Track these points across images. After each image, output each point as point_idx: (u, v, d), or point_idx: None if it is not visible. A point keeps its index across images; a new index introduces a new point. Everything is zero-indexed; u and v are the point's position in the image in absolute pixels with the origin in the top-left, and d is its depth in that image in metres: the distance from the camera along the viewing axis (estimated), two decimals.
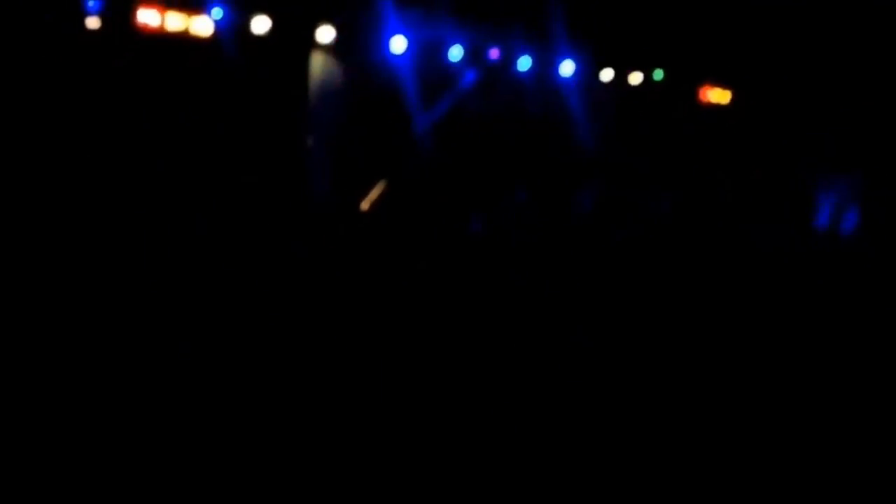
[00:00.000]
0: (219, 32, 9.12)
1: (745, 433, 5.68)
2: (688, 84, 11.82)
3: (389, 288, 7.65)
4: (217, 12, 9.00)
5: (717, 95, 12.04)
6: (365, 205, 9.75)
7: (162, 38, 8.94)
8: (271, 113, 9.64)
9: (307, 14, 9.49)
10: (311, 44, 9.65)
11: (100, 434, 5.01)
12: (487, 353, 6.63)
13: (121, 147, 8.74)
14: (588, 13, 10.60)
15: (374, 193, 9.91)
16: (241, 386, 5.76)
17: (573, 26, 10.55)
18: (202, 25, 9.05)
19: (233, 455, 4.98)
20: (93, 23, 8.62)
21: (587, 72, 10.98)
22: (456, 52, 10.16)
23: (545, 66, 10.71)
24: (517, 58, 10.54)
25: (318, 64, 9.88)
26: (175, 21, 8.98)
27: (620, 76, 11.25)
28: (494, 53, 10.44)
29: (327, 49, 9.76)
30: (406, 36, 9.67)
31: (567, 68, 10.76)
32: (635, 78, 11.35)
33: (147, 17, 8.87)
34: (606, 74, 11.16)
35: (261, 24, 9.20)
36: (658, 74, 11.46)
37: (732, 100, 12.10)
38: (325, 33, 9.51)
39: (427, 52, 10.02)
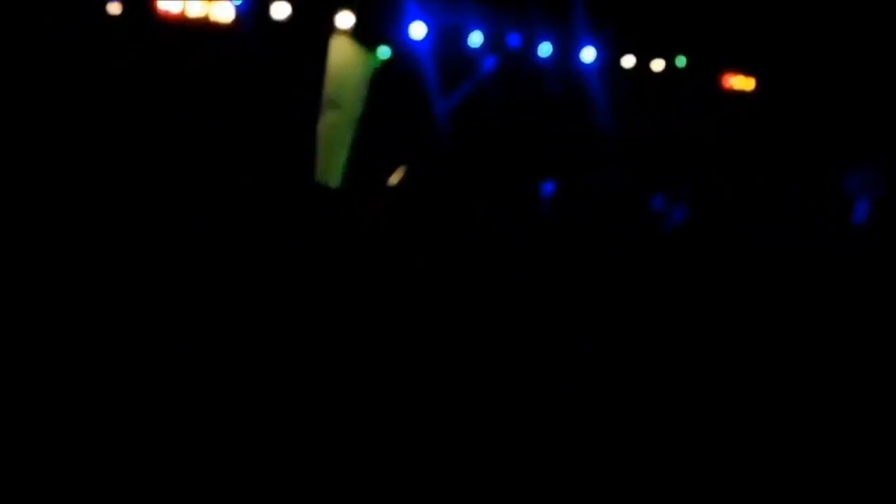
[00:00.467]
0: (239, 18, 9.16)
1: (750, 435, 5.64)
2: (711, 71, 11.72)
3: (399, 281, 7.63)
4: None
5: (741, 83, 11.93)
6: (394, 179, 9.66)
7: (182, 24, 8.99)
8: (290, 99, 9.66)
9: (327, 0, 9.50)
10: (331, 29, 9.65)
11: (100, 433, 5.03)
12: (488, 353, 6.61)
13: (140, 132, 8.79)
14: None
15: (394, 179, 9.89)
16: (242, 385, 5.77)
17: (594, 12, 10.49)
18: (223, 11, 9.09)
19: (233, 454, 5.00)
20: (114, 8, 8.69)
21: (609, 58, 10.91)
22: (476, 39, 10.13)
23: (566, 52, 10.66)
24: (538, 44, 10.49)
25: (337, 49, 9.88)
26: (196, 7, 9.03)
27: (642, 63, 11.17)
28: (514, 40, 10.40)
29: (347, 35, 9.74)
30: (426, 22, 9.66)
31: (588, 55, 10.71)
32: (657, 65, 11.27)
33: (168, 3, 8.93)
34: (628, 61, 11.09)
35: (281, 10, 9.23)
36: (681, 61, 11.37)
37: (756, 87, 11.98)
38: (345, 19, 9.52)
39: (447, 38, 10.00)
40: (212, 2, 9.08)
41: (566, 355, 6.64)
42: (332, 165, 9.73)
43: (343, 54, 9.76)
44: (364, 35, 9.71)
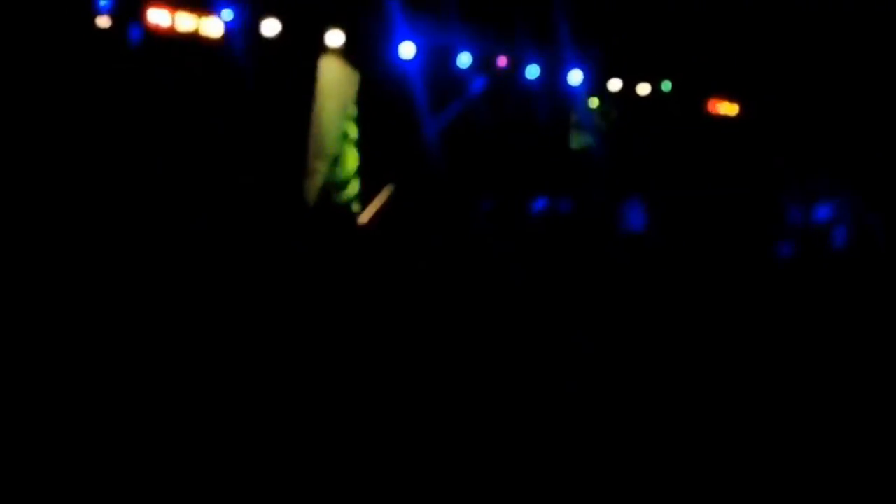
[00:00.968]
0: (229, 34, 9.14)
1: (749, 435, 5.70)
2: (696, 96, 11.84)
3: (391, 291, 7.67)
4: (227, 14, 9.02)
5: (725, 108, 12.06)
6: (364, 217, 9.76)
7: (172, 39, 8.97)
8: (278, 115, 9.65)
9: (317, 18, 9.50)
10: (321, 47, 9.66)
11: (99, 433, 5.02)
12: (487, 354, 6.64)
13: (129, 147, 8.76)
14: (597, 23, 10.63)
15: (377, 203, 9.92)
16: (243, 386, 5.78)
17: (582, 36, 10.57)
18: (212, 27, 9.07)
19: (233, 454, 5.00)
20: (103, 22, 8.65)
21: (595, 82, 10.99)
22: (465, 59, 10.17)
23: (553, 74, 10.72)
24: (525, 66, 10.55)
25: (326, 68, 9.89)
26: (185, 22, 9.00)
27: (629, 87, 11.26)
28: (503, 61, 10.45)
29: (336, 53, 9.76)
30: (415, 42, 9.69)
31: (575, 78, 10.78)
32: (643, 89, 11.37)
33: (157, 17, 8.89)
34: (615, 85, 11.17)
35: (270, 27, 9.22)
36: (666, 86, 11.47)
37: (740, 112, 12.12)
38: (335, 37, 9.52)
39: (436, 59, 10.04)
40: (202, 17, 9.05)
41: (566, 355, 6.69)
42: (316, 182, 9.74)
43: (332, 72, 9.78)
44: (354, 54, 9.72)
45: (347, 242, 9.07)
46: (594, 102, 11.17)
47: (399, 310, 7.25)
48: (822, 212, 11.50)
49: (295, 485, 4.82)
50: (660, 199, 11.19)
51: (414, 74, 9.91)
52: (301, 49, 9.54)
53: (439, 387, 6.11)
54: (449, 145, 10.33)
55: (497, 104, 10.76)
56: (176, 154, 8.98)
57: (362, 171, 9.89)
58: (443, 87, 10.31)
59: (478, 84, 10.65)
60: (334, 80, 9.79)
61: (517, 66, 10.54)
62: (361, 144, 9.94)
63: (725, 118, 12.07)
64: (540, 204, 10.56)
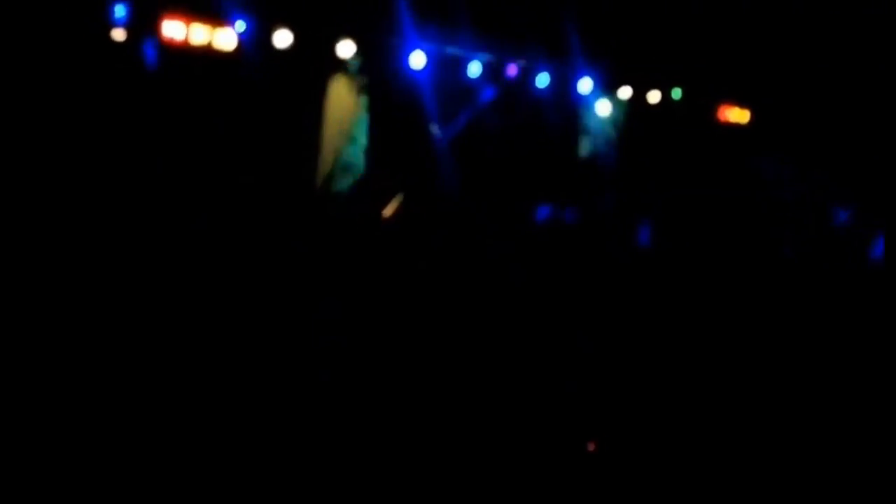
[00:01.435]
0: (242, 46, 9.28)
1: (748, 435, 5.73)
2: (706, 103, 11.86)
3: (393, 293, 7.73)
4: (240, 25, 9.16)
5: (736, 115, 12.06)
6: (388, 211, 9.81)
7: (187, 51, 9.11)
8: (292, 125, 9.79)
9: (329, 29, 9.63)
10: (333, 58, 9.79)
11: (100, 433, 5.10)
12: (489, 356, 6.70)
13: (144, 157, 8.90)
14: (607, 31, 10.69)
15: (393, 206, 10.01)
16: (243, 385, 5.85)
17: (592, 44, 10.63)
18: (226, 39, 9.21)
19: (235, 454, 5.07)
20: (118, 35, 8.80)
21: (605, 90, 11.05)
22: (475, 69, 10.28)
23: (563, 83, 10.80)
24: (535, 75, 10.64)
25: (338, 78, 10.03)
26: (199, 34, 9.15)
27: (639, 94, 11.31)
28: (512, 70, 10.54)
29: (348, 64, 9.89)
30: (426, 51, 9.80)
31: (585, 86, 10.85)
32: (654, 96, 11.41)
33: (172, 29, 9.03)
34: (625, 93, 11.23)
35: (283, 39, 9.36)
36: (676, 93, 11.51)
37: (751, 119, 12.12)
38: (346, 48, 9.66)
39: (446, 68, 10.15)
40: (215, 29, 9.20)
41: (567, 356, 6.74)
42: (329, 189, 9.88)
43: (343, 84, 9.93)
44: (365, 64, 9.85)
45: (350, 242, 9.13)
46: (604, 110, 11.22)
47: (399, 312, 7.32)
48: (840, 217, 11.48)
49: (296, 484, 4.89)
50: (668, 206, 11.21)
51: (424, 84, 10.03)
52: (313, 60, 9.68)
53: (439, 387, 6.17)
54: (459, 153, 10.43)
55: (507, 113, 10.84)
56: (186, 159, 9.11)
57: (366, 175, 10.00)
58: (453, 96, 10.41)
59: (488, 93, 10.75)
60: (346, 91, 9.95)
61: (527, 75, 10.62)
62: (371, 152, 10.05)
63: (736, 125, 12.08)
64: (544, 212, 10.60)
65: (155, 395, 5.65)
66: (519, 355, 6.82)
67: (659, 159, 11.51)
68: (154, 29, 8.92)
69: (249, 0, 9.16)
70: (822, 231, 11.27)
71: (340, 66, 9.93)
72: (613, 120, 11.48)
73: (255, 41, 9.29)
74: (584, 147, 11.54)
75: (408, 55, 9.77)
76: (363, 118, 10.09)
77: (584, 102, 11.14)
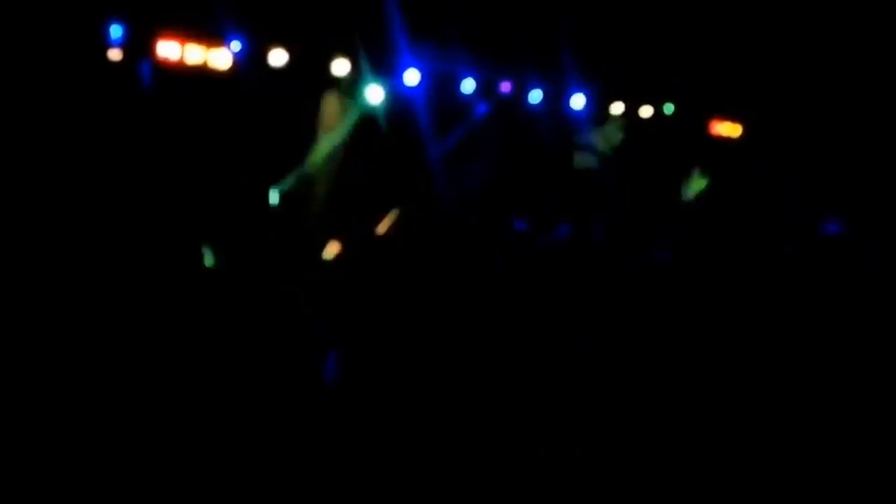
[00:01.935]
0: (237, 65, 9.34)
1: (747, 435, 5.75)
2: (699, 117, 11.94)
3: (391, 298, 7.74)
4: (236, 45, 9.23)
5: (728, 129, 12.14)
6: (383, 228, 9.86)
7: (182, 70, 9.17)
8: (286, 145, 9.85)
9: (323, 47, 9.71)
10: (327, 76, 9.86)
11: (99, 433, 5.10)
12: (489, 358, 6.71)
13: (140, 176, 8.94)
14: (599, 47, 10.78)
15: (388, 222, 10.06)
16: (243, 385, 5.85)
17: (584, 60, 10.72)
18: (221, 58, 9.28)
19: (235, 457, 5.08)
20: (114, 55, 8.85)
21: (598, 105, 11.14)
22: (468, 85, 10.36)
23: (556, 99, 10.88)
24: (528, 91, 10.72)
25: (333, 96, 10.10)
26: (194, 54, 9.21)
27: (631, 110, 11.39)
28: (506, 86, 10.63)
29: (342, 82, 9.96)
30: (419, 69, 9.88)
31: (578, 101, 10.93)
32: (646, 111, 11.49)
33: (167, 49, 9.10)
34: (617, 108, 11.31)
35: (278, 57, 9.44)
36: (669, 108, 11.59)
37: (743, 134, 12.20)
38: (341, 66, 9.73)
39: (440, 85, 10.23)
40: (210, 49, 9.26)
41: (567, 356, 6.76)
42: (322, 207, 9.94)
43: (338, 102, 9.99)
44: (359, 81, 9.92)
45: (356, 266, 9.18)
46: (597, 125, 11.31)
47: (399, 314, 7.33)
48: (831, 228, 11.53)
49: (296, 484, 4.90)
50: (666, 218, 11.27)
51: (418, 100, 10.11)
52: (307, 77, 9.75)
53: (440, 387, 6.18)
54: (452, 169, 10.49)
55: (500, 128, 10.92)
56: (182, 177, 9.15)
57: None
58: (447, 113, 10.49)
59: (481, 109, 10.83)
60: (340, 108, 10.02)
61: (520, 91, 10.70)
62: (359, 169, 10.10)
63: (728, 139, 12.16)
64: (521, 225, 10.65)
65: (155, 394, 5.66)
66: (518, 364, 6.83)
67: (653, 174, 11.58)
68: (149, 49, 8.98)
69: (244, 20, 9.23)
70: (814, 241, 11.32)
71: (335, 83, 9.98)
72: (606, 135, 11.55)
73: (251, 60, 9.35)
74: (578, 161, 11.60)
75: (402, 72, 9.85)
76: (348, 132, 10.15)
77: (577, 117, 11.22)
